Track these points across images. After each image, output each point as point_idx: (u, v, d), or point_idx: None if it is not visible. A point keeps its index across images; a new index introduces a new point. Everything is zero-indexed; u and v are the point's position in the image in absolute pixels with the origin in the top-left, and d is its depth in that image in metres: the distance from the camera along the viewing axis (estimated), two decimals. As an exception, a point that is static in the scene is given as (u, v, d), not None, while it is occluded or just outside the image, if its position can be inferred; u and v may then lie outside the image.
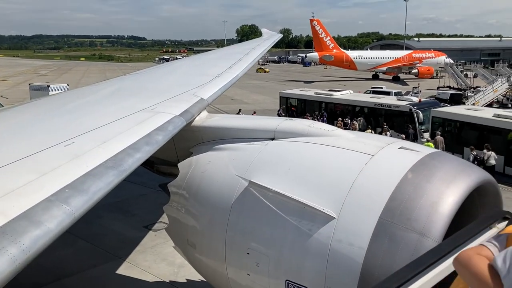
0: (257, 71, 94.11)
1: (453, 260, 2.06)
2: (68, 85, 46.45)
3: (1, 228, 3.31)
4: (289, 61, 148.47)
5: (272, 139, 6.22)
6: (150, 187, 13.67)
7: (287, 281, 5.15)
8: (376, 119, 28.13)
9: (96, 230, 12.61)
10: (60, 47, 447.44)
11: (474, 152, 19.23)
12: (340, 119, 28.16)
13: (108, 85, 14.41)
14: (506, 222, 2.53)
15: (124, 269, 10.40)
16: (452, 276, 2.22)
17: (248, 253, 5.44)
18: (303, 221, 4.96)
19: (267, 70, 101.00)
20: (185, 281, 9.45)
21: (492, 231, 2.48)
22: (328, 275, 4.71)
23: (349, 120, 28.00)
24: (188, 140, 7.69)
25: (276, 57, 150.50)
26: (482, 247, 2.04)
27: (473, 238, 2.39)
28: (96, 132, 6.77)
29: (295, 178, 5.28)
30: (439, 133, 22.24)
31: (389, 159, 5.06)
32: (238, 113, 28.76)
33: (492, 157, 18.92)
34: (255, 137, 6.38)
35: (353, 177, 4.86)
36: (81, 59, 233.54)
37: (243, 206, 5.62)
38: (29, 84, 53.75)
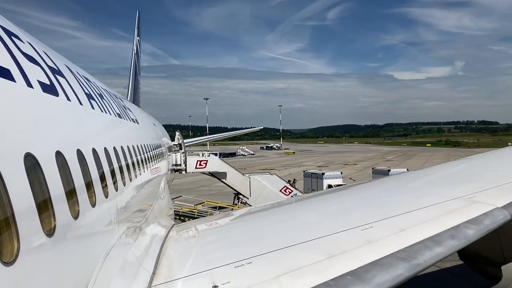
0: None
1: None
2: (407, 170, 47.53)
3: None
4: None
5: None
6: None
7: None
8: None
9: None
10: (408, 134, 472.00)
11: None
12: None
13: (435, 170, 13.78)
14: None
15: None
16: None
17: None
18: None
19: None
20: None
21: None
22: None
23: None
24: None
25: None
26: None
27: None
28: (398, 219, 6.36)
29: None
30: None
31: None
32: None
33: None
34: None
35: None
36: (427, 145, 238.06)
37: None
38: (372, 168, 58.18)
